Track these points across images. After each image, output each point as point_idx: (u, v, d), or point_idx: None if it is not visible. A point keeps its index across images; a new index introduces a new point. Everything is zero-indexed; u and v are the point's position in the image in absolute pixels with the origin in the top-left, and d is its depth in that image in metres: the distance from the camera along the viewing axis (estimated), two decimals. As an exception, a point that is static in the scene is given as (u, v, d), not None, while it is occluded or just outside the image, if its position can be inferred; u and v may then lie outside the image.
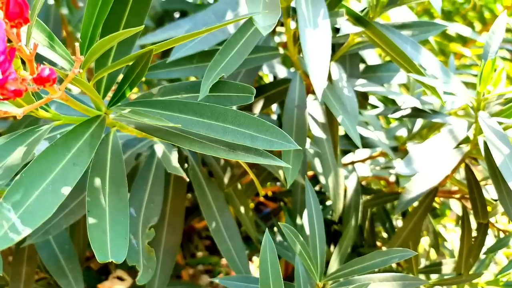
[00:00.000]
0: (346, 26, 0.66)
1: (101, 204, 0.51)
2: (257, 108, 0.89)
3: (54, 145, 0.46)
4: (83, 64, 0.49)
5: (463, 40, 1.51)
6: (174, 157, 0.75)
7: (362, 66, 0.95)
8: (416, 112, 0.87)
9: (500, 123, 0.75)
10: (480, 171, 1.11)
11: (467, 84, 1.55)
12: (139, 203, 0.75)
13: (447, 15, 1.52)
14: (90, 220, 0.49)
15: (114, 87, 0.59)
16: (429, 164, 0.74)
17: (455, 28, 1.25)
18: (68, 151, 0.47)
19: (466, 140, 0.83)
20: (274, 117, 1.04)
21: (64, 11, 1.22)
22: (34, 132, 0.49)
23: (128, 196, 0.54)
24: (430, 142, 0.76)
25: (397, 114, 0.87)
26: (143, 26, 0.47)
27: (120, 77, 0.58)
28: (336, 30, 0.73)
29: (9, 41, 0.36)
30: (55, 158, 0.45)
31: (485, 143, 0.76)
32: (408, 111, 0.87)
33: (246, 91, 0.56)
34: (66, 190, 0.43)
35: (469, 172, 0.87)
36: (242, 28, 0.60)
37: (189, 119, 0.51)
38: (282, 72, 0.92)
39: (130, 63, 0.51)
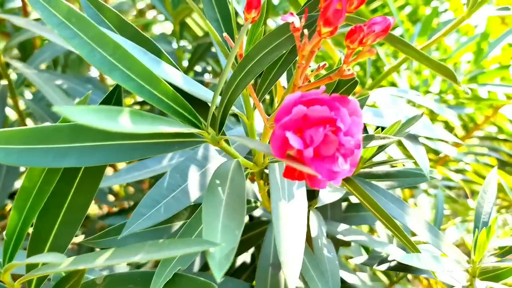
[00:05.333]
0: (325, 195, 0.59)
1: None
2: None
3: None
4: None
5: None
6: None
7: (344, 204, 0.88)
8: (403, 265, 0.78)
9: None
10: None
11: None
12: None
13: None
14: None
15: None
16: None
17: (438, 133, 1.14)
18: None
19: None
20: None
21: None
22: None
23: None
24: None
25: (383, 267, 0.79)
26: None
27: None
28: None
29: None
30: None
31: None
32: (394, 263, 0.79)
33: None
34: None
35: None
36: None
37: None
38: (257, 211, 0.84)
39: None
